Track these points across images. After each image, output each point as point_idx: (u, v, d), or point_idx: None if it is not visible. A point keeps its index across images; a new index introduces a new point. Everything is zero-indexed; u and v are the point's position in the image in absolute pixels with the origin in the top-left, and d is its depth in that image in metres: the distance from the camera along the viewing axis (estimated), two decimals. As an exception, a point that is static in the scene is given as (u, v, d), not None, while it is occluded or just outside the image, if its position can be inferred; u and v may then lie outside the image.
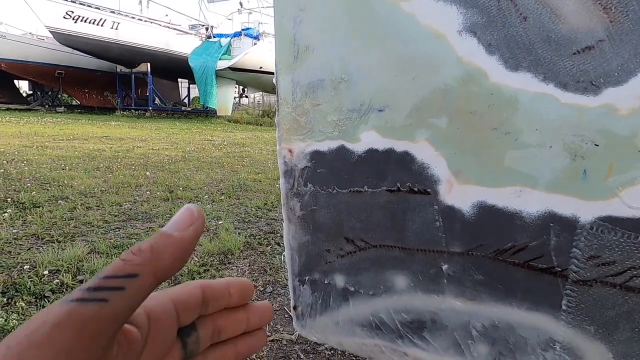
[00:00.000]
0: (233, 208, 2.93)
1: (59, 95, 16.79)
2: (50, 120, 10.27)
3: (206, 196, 3.23)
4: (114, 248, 2.07)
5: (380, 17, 0.41)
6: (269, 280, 1.88)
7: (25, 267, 1.81)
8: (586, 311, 0.36)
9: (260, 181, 3.86)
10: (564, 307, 0.37)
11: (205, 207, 2.91)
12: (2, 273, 1.74)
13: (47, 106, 15.84)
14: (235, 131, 10.27)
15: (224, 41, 14.72)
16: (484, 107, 0.37)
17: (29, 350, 0.15)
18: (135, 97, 15.86)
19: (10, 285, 1.66)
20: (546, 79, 0.35)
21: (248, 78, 14.85)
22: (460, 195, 0.39)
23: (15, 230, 2.25)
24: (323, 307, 0.49)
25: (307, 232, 0.49)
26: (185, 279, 1.82)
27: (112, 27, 14.56)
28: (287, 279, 1.87)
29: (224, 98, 14.75)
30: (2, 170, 3.79)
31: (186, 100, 18.40)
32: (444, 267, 0.41)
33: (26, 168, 3.94)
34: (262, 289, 1.82)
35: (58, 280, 1.71)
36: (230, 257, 2.09)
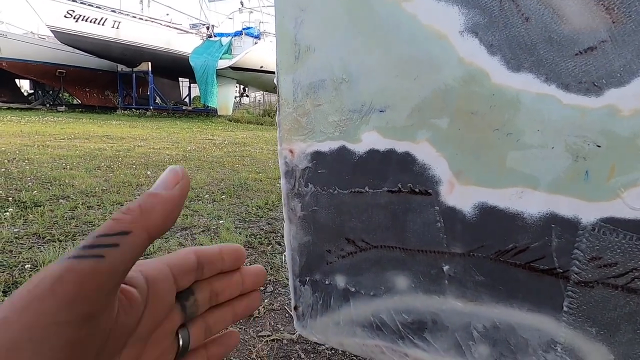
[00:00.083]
0: (234, 207, 2.94)
1: (60, 95, 16.81)
2: (52, 120, 10.28)
3: (207, 195, 3.23)
4: (115, 247, 2.07)
5: (382, 18, 0.40)
6: (269, 280, 1.88)
7: (26, 267, 1.81)
8: (588, 312, 0.36)
9: (261, 180, 3.86)
10: (565, 309, 0.37)
11: (206, 206, 2.91)
12: (3, 272, 1.75)
13: (48, 105, 15.86)
14: (236, 130, 10.28)
15: (225, 40, 14.72)
16: (486, 107, 0.37)
17: (32, 303, 0.15)
18: (136, 96, 15.88)
19: (12, 284, 1.66)
20: (548, 80, 0.35)
21: (249, 77, 14.86)
22: (461, 196, 0.39)
23: (16, 229, 2.25)
24: (324, 307, 0.49)
25: (307, 233, 0.49)
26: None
27: (113, 27, 14.57)
28: (287, 279, 1.87)
29: (225, 97, 14.75)
30: (3, 169, 3.79)
31: (187, 100, 18.41)
32: (445, 268, 0.41)
33: (27, 167, 3.95)
34: (262, 288, 1.83)
35: (59, 280, 1.71)
36: (231, 256, 2.09)
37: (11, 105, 14.60)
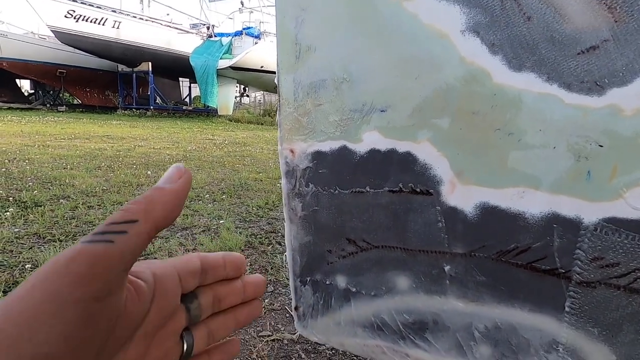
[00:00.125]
0: (234, 207, 2.94)
1: (61, 95, 16.83)
2: (52, 120, 10.29)
3: (207, 195, 3.23)
4: (116, 247, 2.07)
5: (383, 17, 0.40)
6: (270, 280, 1.88)
7: (27, 266, 1.81)
8: (590, 313, 0.36)
9: (261, 180, 3.86)
10: (567, 309, 0.37)
11: (206, 206, 2.91)
12: (4, 272, 1.75)
13: (48, 105, 15.87)
14: (237, 130, 10.28)
15: (225, 40, 14.73)
16: (487, 107, 0.37)
17: (49, 280, 0.17)
18: (137, 96, 15.89)
19: (12, 284, 1.66)
20: (550, 79, 0.34)
21: (249, 77, 14.86)
22: (462, 196, 0.39)
23: (16, 229, 2.25)
24: (324, 307, 0.49)
25: (308, 233, 0.48)
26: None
27: (113, 27, 14.58)
28: (288, 279, 1.87)
29: (225, 97, 14.76)
30: (3, 169, 3.80)
31: (187, 100, 18.41)
32: (446, 268, 0.41)
33: (28, 167, 3.95)
34: (263, 288, 1.83)
35: (59, 280, 1.71)
36: (231, 256, 2.09)
37: (12, 105, 14.61)
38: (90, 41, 14.18)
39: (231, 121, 13.89)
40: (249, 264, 2.01)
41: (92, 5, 14.23)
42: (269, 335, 1.46)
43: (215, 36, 15.42)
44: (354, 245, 0.46)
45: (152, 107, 15.05)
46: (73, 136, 6.90)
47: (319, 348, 1.40)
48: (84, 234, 2.24)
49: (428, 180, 0.40)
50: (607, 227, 0.34)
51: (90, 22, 14.11)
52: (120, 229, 0.19)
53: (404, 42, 0.40)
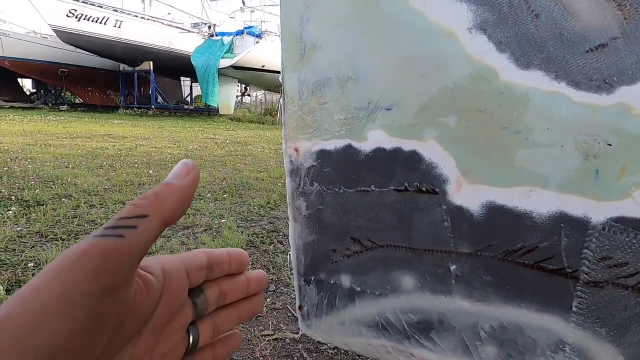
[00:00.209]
0: (236, 206, 2.94)
1: (62, 94, 16.86)
2: (54, 119, 10.31)
3: (209, 194, 3.23)
4: (117, 246, 2.07)
5: (389, 14, 0.40)
6: (272, 279, 1.88)
7: (29, 265, 1.81)
8: (597, 313, 0.35)
9: (262, 180, 3.86)
10: (574, 309, 0.36)
11: (208, 205, 2.91)
12: (6, 271, 1.75)
13: (50, 104, 15.90)
14: (238, 129, 10.28)
15: (227, 39, 14.73)
16: (494, 105, 0.37)
17: (61, 273, 0.17)
18: (138, 96, 15.91)
19: (15, 282, 1.66)
20: (558, 78, 0.34)
21: (250, 76, 14.85)
22: (469, 195, 0.39)
23: (19, 228, 2.26)
24: (329, 307, 0.49)
25: (313, 232, 0.48)
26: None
27: (115, 26, 14.59)
28: (290, 278, 1.87)
29: (226, 96, 14.76)
30: (6, 168, 3.80)
31: (189, 99, 18.42)
32: (452, 267, 0.41)
33: (30, 166, 3.96)
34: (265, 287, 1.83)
35: (62, 278, 1.71)
36: (233, 255, 2.09)
37: (13, 104, 14.64)
38: (91, 40, 14.20)
39: (232, 120, 13.89)
40: (250, 263, 2.01)
41: (94, 5, 14.24)
42: (271, 334, 1.46)
43: (216, 35, 15.42)
44: (358, 244, 0.45)
45: (153, 106, 15.07)
46: (75, 135, 6.91)
47: (321, 347, 1.40)
48: (86, 233, 2.24)
49: (434, 179, 0.40)
50: (615, 226, 0.34)
51: (92, 21, 14.13)
52: (130, 223, 0.19)
53: (410, 39, 0.39)
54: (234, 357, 1.33)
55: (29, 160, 4.29)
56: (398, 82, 0.41)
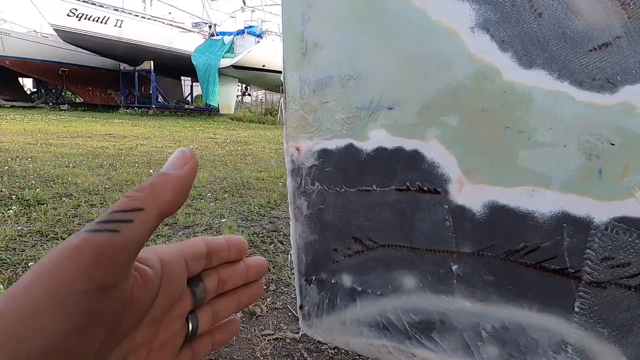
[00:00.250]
0: (236, 206, 2.94)
1: (63, 93, 16.87)
2: (54, 118, 10.31)
3: (209, 194, 3.23)
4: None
5: (391, 13, 0.40)
6: (272, 279, 1.88)
7: (29, 264, 1.81)
8: (600, 313, 0.35)
9: (263, 179, 3.86)
10: (576, 309, 0.36)
11: (208, 205, 2.91)
12: (7, 270, 1.75)
13: (50, 104, 15.91)
14: (238, 129, 10.28)
15: (227, 39, 14.72)
16: (497, 105, 0.37)
17: (52, 270, 0.16)
18: (139, 95, 15.91)
19: (15, 281, 1.66)
20: (561, 77, 0.34)
21: (251, 76, 14.85)
22: (471, 194, 0.39)
23: (19, 227, 2.26)
24: (330, 306, 0.49)
25: (314, 231, 0.48)
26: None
27: (115, 25, 14.60)
28: (290, 277, 1.87)
29: (227, 96, 14.76)
30: (6, 167, 3.81)
31: (189, 98, 18.43)
32: (454, 267, 0.41)
33: (30, 165, 3.96)
34: (265, 287, 1.82)
35: (62, 277, 1.71)
36: (233, 255, 2.09)
37: (14, 103, 14.65)
38: (92, 40, 14.21)
39: (233, 120, 13.88)
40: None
41: (95, 4, 14.25)
42: (271, 334, 1.46)
43: (217, 35, 15.42)
44: (360, 244, 0.45)
45: (154, 106, 15.07)
46: (75, 134, 6.91)
47: (322, 347, 1.40)
48: (87, 232, 2.24)
49: (436, 179, 0.40)
50: (618, 226, 0.33)
51: (93, 20, 14.14)
52: (125, 217, 0.18)
53: (411, 38, 0.39)
54: (235, 357, 1.33)
55: (29, 159, 4.29)
56: (400, 81, 0.41)
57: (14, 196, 2.82)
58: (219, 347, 0.27)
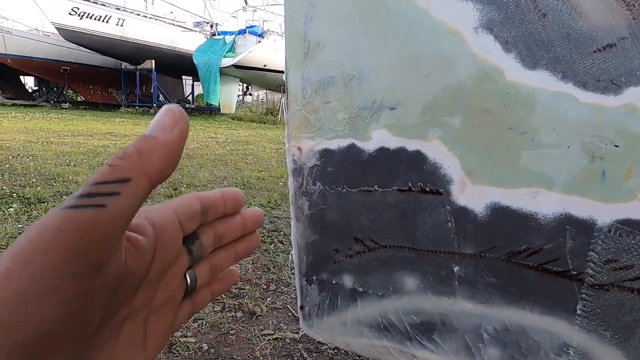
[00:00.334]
0: (236, 206, 2.93)
1: (64, 92, 16.89)
2: (55, 116, 10.32)
3: (210, 193, 3.23)
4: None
5: (394, 13, 0.40)
6: (272, 279, 1.88)
7: (30, 262, 1.81)
8: (602, 316, 0.35)
9: (263, 179, 3.86)
10: (579, 312, 0.36)
11: (208, 204, 2.91)
12: (7, 268, 1.75)
13: (52, 102, 15.93)
14: (239, 129, 10.28)
15: (229, 39, 14.73)
16: (500, 105, 0.36)
17: (36, 256, 0.15)
18: (140, 94, 15.93)
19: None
20: (565, 78, 0.34)
21: (252, 76, 14.86)
22: (473, 195, 0.39)
23: (20, 225, 2.26)
24: (330, 307, 0.49)
25: (315, 232, 0.48)
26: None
27: (117, 24, 14.62)
28: (290, 277, 1.87)
29: (228, 95, 14.77)
30: (7, 165, 3.81)
31: (190, 98, 18.45)
32: (456, 268, 0.41)
33: (31, 163, 3.96)
34: (265, 286, 1.82)
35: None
36: (233, 254, 2.08)
37: (15, 101, 14.67)
38: (94, 38, 14.22)
39: (234, 119, 13.89)
40: (251, 262, 2.01)
41: (97, 3, 14.26)
42: (271, 334, 1.46)
43: (218, 34, 15.43)
44: (361, 245, 0.45)
45: (155, 105, 15.08)
46: (76, 133, 6.92)
47: (321, 347, 1.39)
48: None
49: (438, 180, 0.40)
50: (621, 228, 0.33)
51: (94, 19, 14.16)
52: (111, 189, 0.16)
53: (415, 38, 0.39)
54: (234, 356, 1.33)
55: (30, 157, 4.29)
56: (402, 81, 0.40)
57: (14, 194, 2.82)
58: (218, 296, 0.27)
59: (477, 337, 0.41)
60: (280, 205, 2.94)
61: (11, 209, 2.50)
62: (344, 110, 0.44)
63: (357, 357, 1.31)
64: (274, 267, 1.97)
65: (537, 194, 0.36)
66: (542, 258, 0.37)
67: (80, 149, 5.07)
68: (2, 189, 2.94)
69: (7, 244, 2.01)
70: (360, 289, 0.46)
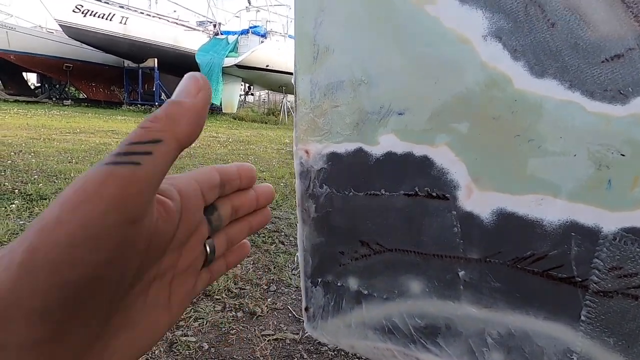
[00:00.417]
0: (238, 205, 2.94)
1: (67, 89, 16.91)
2: (57, 113, 10.34)
3: (211, 193, 3.23)
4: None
5: (403, 20, 0.40)
6: (272, 279, 1.89)
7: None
8: (606, 322, 0.35)
9: (265, 179, 3.87)
10: (583, 318, 0.36)
11: (210, 203, 2.92)
12: (8, 264, 1.76)
13: (54, 99, 15.95)
14: (240, 129, 10.28)
15: (231, 38, 14.77)
16: (508, 113, 0.37)
17: (83, 204, 0.16)
18: (142, 92, 15.96)
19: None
20: (572, 87, 0.34)
21: (254, 76, 14.89)
22: (479, 201, 0.39)
23: (22, 222, 2.26)
24: (335, 309, 0.49)
25: (321, 234, 0.48)
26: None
27: (120, 22, 14.65)
28: (291, 278, 1.87)
29: (230, 95, 14.80)
30: (9, 161, 3.82)
31: (192, 97, 18.44)
32: (461, 273, 0.41)
33: (33, 160, 3.97)
34: (266, 287, 1.82)
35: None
36: (234, 254, 2.09)
37: (18, 98, 14.70)
38: (97, 36, 14.26)
39: (235, 119, 13.91)
40: (251, 262, 2.01)
41: (100, 1, 14.30)
42: (271, 335, 1.46)
43: (221, 34, 15.47)
44: (367, 248, 0.46)
45: (157, 103, 15.10)
46: (78, 130, 6.93)
47: (321, 349, 1.40)
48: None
49: (445, 185, 0.40)
50: (626, 236, 0.34)
51: (98, 17, 14.20)
52: (144, 149, 0.18)
53: (424, 45, 0.40)
54: (235, 356, 1.33)
55: (32, 154, 4.30)
56: (411, 87, 0.41)
57: (16, 190, 2.82)
58: (233, 267, 0.29)
59: (481, 341, 0.41)
60: (281, 206, 2.95)
61: (13, 205, 2.50)
62: (352, 114, 0.44)
63: (357, 359, 1.31)
64: (274, 267, 1.97)
65: (543, 201, 0.36)
66: (547, 264, 0.37)
67: (82, 146, 5.08)
68: (4, 185, 2.95)
69: (9, 240, 2.01)
70: (365, 292, 0.47)
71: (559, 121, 0.35)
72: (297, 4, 0.46)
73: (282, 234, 2.38)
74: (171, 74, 16.63)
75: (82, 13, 13.59)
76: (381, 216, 0.44)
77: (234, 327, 1.47)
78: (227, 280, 1.78)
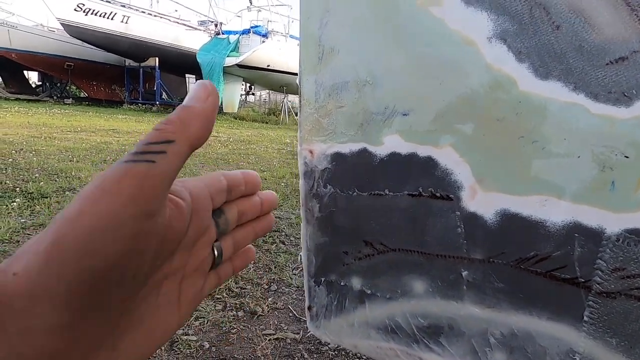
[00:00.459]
0: (238, 205, 2.94)
1: (68, 87, 16.93)
2: (58, 112, 10.34)
3: (212, 192, 3.24)
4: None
5: (408, 21, 0.40)
6: (273, 279, 1.89)
7: (32, 257, 1.82)
8: (609, 323, 0.36)
9: (265, 179, 3.87)
10: (585, 318, 0.37)
11: (210, 203, 2.92)
12: (10, 262, 1.76)
13: (55, 97, 15.97)
14: (241, 128, 10.29)
15: (233, 38, 14.78)
16: (512, 114, 0.37)
17: (103, 197, 0.17)
18: (143, 91, 15.97)
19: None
20: (577, 89, 0.34)
21: (255, 76, 14.89)
22: (483, 202, 0.39)
23: (23, 220, 2.27)
24: (338, 308, 0.49)
25: (325, 234, 0.49)
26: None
27: (122, 21, 14.66)
28: (291, 278, 1.88)
29: (231, 95, 14.80)
30: (10, 159, 3.82)
31: (193, 96, 18.44)
32: (464, 273, 0.41)
33: (34, 158, 3.98)
34: (266, 286, 1.83)
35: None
36: (235, 254, 2.09)
37: (19, 96, 14.71)
38: (98, 35, 14.27)
39: (236, 119, 13.91)
40: (252, 262, 2.02)
41: (102, 0, 14.31)
42: (272, 334, 1.47)
43: (222, 34, 15.48)
44: (370, 248, 0.46)
45: (158, 103, 15.12)
46: (79, 129, 6.93)
47: (322, 348, 1.40)
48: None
49: (448, 186, 0.41)
50: (629, 238, 0.34)
51: (99, 16, 14.21)
52: (159, 149, 0.19)
53: (429, 46, 0.40)
54: (235, 355, 1.34)
55: (33, 152, 4.31)
56: (415, 88, 0.41)
57: (17, 189, 2.83)
58: (239, 271, 0.30)
59: (484, 341, 0.41)
60: (282, 205, 2.95)
61: (14, 204, 2.51)
62: (356, 114, 0.45)
63: (358, 359, 1.32)
64: (275, 267, 1.98)
65: (547, 202, 0.37)
66: (550, 265, 0.37)
67: (83, 145, 5.08)
68: (5, 183, 2.96)
69: (10, 238, 2.02)
70: (369, 292, 0.47)
71: (563, 123, 0.35)
72: (302, 5, 0.46)
73: (283, 233, 2.38)
74: (172, 73, 16.63)
75: (84, 12, 13.60)
76: (385, 216, 0.44)
77: (235, 326, 1.47)
78: (228, 280, 1.79)
